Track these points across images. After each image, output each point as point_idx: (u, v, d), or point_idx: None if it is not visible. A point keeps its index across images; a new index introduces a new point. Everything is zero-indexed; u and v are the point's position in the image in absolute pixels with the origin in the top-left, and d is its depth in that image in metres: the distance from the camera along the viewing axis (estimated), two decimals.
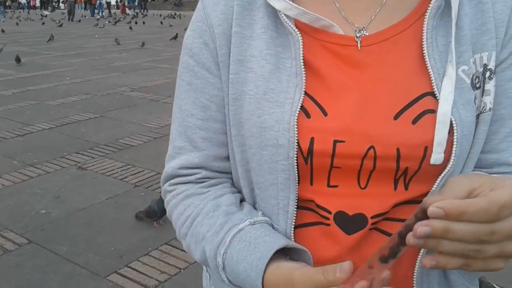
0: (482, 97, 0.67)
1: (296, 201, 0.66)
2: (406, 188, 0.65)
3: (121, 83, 7.76)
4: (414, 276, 0.68)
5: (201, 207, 0.71)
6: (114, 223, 3.24)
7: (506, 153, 0.70)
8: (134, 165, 4.25)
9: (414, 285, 0.68)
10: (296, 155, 0.63)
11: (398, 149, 0.62)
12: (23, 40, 14.35)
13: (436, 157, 0.62)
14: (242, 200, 0.74)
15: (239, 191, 0.75)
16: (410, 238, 0.51)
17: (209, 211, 0.69)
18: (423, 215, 0.51)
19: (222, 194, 0.72)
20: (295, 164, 0.64)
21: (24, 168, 4.24)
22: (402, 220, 0.66)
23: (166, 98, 6.68)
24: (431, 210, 0.49)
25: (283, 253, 0.63)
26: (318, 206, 0.66)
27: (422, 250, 0.67)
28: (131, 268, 2.73)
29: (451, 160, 0.63)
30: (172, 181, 0.76)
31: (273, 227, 0.69)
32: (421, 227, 0.49)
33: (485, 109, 0.67)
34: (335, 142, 0.62)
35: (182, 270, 2.71)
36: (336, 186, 0.66)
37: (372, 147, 0.62)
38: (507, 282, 2.41)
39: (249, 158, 0.68)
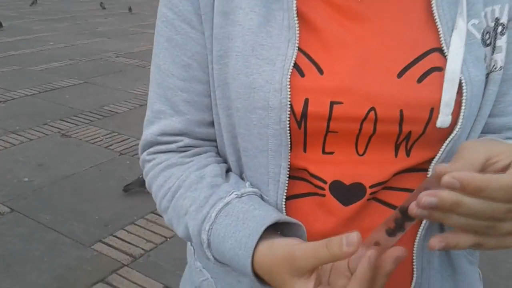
0: (492, 54, 0.61)
1: (288, 169, 0.60)
2: (407, 154, 0.60)
3: (106, 49, 7.56)
4: (414, 250, 0.63)
5: (183, 178, 0.64)
6: (99, 192, 3.18)
7: None
8: (119, 132, 4.16)
9: (414, 258, 0.63)
10: (288, 119, 0.57)
11: (401, 111, 0.56)
12: (5, 4, 13.90)
13: (443, 119, 0.56)
14: (228, 171, 0.68)
15: (225, 160, 0.69)
16: (413, 207, 0.45)
17: (192, 183, 0.63)
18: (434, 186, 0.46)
19: (206, 164, 0.65)
20: (288, 128, 0.57)
21: (6, 135, 4.12)
22: (403, 189, 0.60)
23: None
24: (446, 180, 0.43)
25: (274, 228, 0.58)
26: (312, 175, 0.60)
27: (423, 222, 0.62)
28: (116, 237, 2.69)
29: (459, 123, 0.57)
30: (151, 149, 0.70)
31: (262, 198, 0.63)
32: (427, 197, 0.44)
33: (495, 68, 0.60)
34: (332, 103, 0.56)
35: (168, 239, 2.67)
36: (331, 153, 0.59)
37: (373, 108, 0.56)
38: None
39: (235, 123, 0.62)
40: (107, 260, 2.50)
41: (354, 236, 0.46)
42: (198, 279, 0.75)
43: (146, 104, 0.71)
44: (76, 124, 4.38)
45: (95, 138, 4.06)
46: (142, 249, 2.59)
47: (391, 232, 0.49)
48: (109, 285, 2.33)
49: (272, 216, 0.57)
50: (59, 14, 11.67)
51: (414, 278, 0.64)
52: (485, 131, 0.65)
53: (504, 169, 0.47)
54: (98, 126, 4.33)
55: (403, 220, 0.48)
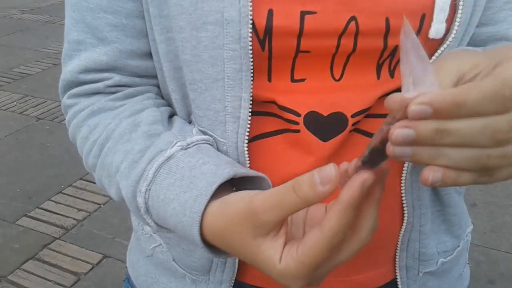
0: None
1: (251, 103, 0.48)
2: (391, 75, 0.49)
3: (9, 5, 6.87)
4: (402, 186, 0.54)
5: (112, 127, 0.50)
6: (18, 162, 2.89)
7: (505, 24, 0.55)
8: (34, 95, 3.80)
9: (403, 195, 0.54)
10: (250, 34, 0.44)
11: (387, 20, 0.45)
12: None
13: (438, 27, 0.46)
14: (173, 115, 0.54)
15: (169, 103, 0.55)
16: (389, 146, 0.33)
17: (123, 133, 0.49)
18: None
19: (142, 108, 0.51)
20: (249, 47, 0.44)
21: None
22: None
23: (64, 20, 6.03)
24: (413, 110, 0.30)
25: (231, 184, 0.46)
26: (281, 107, 0.48)
27: None
28: (43, 209, 2.46)
29: (453, 32, 0.47)
30: (73, 91, 0.55)
31: (217, 146, 0.50)
32: (399, 130, 0.31)
33: None
34: (303, 14, 0.43)
35: (102, 206, 2.49)
36: (302, 80, 0.48)
37: (353, 18, 0.44)
38: None
39: (179, 49, 0.48)
40: (35, 235, 2.29)
41: (329, 169, 0.35)
42: (148, 246, 0.62)
43: (60, 63, 0.56)
44: None
45: (6, 104, 3.68)
46: (74, 219, 2.40)
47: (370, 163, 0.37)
48: (41, 262, 2.14)
49: (225, 171, 0.44)
50: None
51: (405, 218, 0.55)
52: (471, 43, 0.55)
53: None
54: (9, 91, 3.93)
55: (379, 156, 0.36)
